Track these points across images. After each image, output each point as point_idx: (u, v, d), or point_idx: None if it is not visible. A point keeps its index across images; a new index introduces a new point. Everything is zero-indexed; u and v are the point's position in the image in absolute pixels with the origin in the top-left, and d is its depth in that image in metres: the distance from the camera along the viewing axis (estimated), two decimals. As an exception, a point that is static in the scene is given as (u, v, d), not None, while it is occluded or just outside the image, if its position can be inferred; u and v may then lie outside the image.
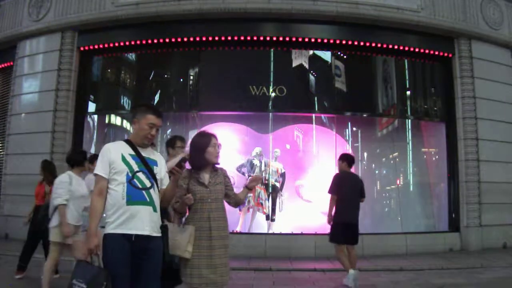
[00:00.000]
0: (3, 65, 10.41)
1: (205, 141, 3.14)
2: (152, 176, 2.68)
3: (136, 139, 2.75)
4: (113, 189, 2.59)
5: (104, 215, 2.67)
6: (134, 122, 2.77)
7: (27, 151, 8.67)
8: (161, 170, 2.78)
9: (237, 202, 3.31)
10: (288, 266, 6.85)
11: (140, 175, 2.63)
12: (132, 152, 2.69)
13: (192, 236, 2.92)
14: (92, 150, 9.73)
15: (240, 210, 8.41)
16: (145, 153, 2.74)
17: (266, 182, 8.79)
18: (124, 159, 2.63)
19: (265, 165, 8.83)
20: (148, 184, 2.64)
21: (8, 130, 9.46)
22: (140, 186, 2.60)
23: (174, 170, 2.65)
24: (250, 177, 8.57)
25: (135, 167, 2.63)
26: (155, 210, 2.64)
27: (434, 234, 8.76)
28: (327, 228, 5.82)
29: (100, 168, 2.63)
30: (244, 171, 8.77)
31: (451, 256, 7.79)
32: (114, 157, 2.63)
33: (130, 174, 2.60)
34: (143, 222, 2.56)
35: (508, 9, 9.72)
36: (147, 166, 2.68)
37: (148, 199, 2.61)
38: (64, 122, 8.83)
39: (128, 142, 2.75)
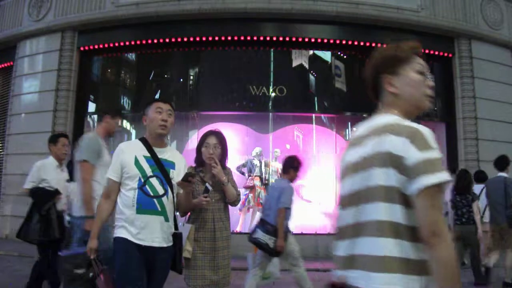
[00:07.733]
0: (3, 65, 10.40)
1: (200, 140, 3.03)
2: (167, 181, 2.50)
3: (151, 135, 2.57)
4: (124, 193, 2.47)
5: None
6: (144, 119, 2.61)
7: (27, 151, 8.65)
8: (179, 173, 2.58)
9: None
10: (288, 266, 6.83)
11: (153, 180, 2.46)
12: (147, 154, 2.52)
13: (192, 234, 2.84)
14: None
15: (240, 210, 8.41)
16: (162, 154, 2.57)
17: (266, 182, 8.78)
18: (137, 162, 2.48)
19: (265, 165, 8.82)
20: (161, 191, 2.47)
21: (8, 130, 9.46)
22: (151, 194, 2.44)
23: (182, 185, 2.50)
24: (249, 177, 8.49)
25: (149, 172, 2.47)
26: (166, 219, 2.49)
27: (434, 234, 8.75)
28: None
29: (111, 170, 2.52)
30: (244, 171, 8.75)
31: (451, 256, 7.77)
32: (127, 159, 2.49)
33: (142, 180, 2.44)
34: (153, 233, 2.43)
35: (508, 9, 9.72)
36: (162, 170, 2.51)
37: (159, 208, 2.46)
38: (64, 122, 8.83)
39: (144, 141, 2.58)
